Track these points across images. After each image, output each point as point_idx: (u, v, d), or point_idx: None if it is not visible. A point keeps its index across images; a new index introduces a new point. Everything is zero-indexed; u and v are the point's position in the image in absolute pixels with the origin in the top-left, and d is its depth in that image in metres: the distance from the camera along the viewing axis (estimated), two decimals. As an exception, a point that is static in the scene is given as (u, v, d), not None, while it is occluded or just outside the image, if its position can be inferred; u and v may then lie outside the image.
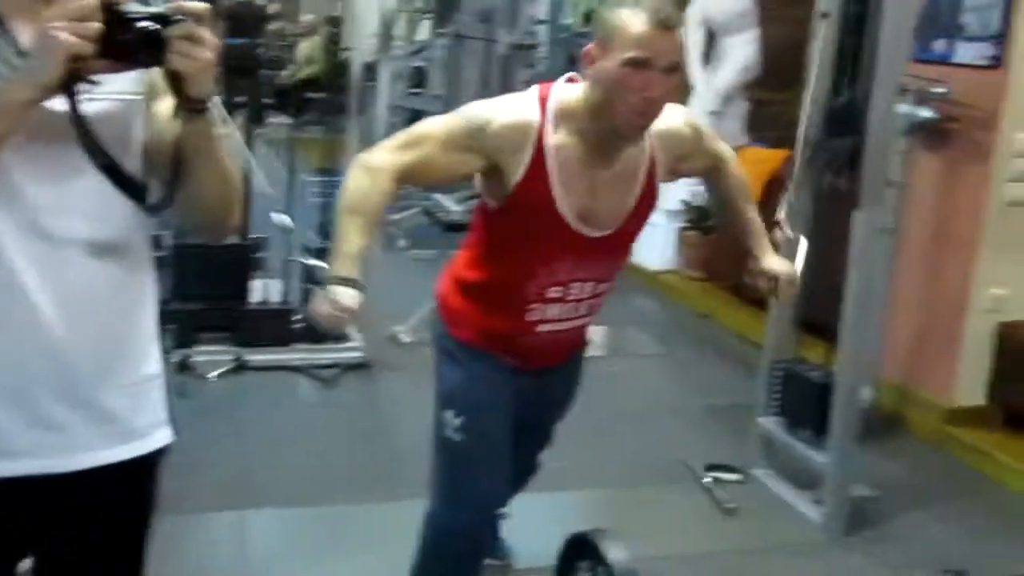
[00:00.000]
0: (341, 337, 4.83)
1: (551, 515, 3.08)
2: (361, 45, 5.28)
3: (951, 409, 4.30)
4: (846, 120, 3.44)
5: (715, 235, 6.20)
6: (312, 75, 11.19)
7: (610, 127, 2.12)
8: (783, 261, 2.59)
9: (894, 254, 4.19)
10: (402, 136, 2.21)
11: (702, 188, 6.07)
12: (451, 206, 5.27)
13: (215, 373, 4.46)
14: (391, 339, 5.05)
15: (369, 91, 5.64)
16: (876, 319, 3.79)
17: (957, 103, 4.15)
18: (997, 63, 4.06)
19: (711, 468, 3.87)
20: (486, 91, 7.48)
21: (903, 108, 3.84)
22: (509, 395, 2.42)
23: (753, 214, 2.53)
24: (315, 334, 4.78)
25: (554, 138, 2.14)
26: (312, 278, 4.74)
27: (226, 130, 2.10)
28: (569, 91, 2.19)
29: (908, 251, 4.35)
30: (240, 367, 4.53)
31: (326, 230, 4.96)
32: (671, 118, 2.28)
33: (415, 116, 10.58)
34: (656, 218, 2.50)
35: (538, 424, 2.62)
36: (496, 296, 2.34)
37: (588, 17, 7.65)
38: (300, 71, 12.50)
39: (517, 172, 2.14)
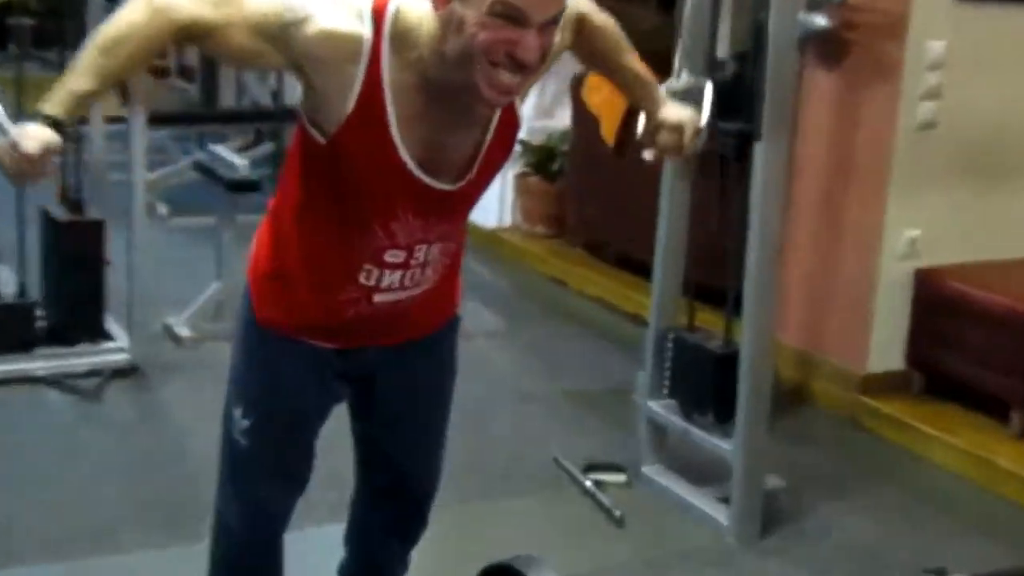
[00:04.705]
0: (100, 335, 4.66)
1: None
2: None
3: (864, 376, 4.48)
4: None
5: (562, 181, 6.28)
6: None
7: (463, 84, 2.06)
8: (684, 108, 2.66)
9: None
10: None
11: (543, 123, 6.24)
12: (233, 159, 5.13)
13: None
14: (165, 334, 4.94)
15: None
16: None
17: (855, 8, 4.31)
18: (901, -42, 4.22)
19: (590, 468, 3.93)
20: None
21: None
22: (320, 395, 2.48)
23: (635, 62, 2.57)
24: (66, 334, 4.61)
25: (391, 67, 2.09)
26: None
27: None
28: (412, 9, 2.10)
29: (803, 191, 4.49)
30: (-32, 382, 4.32)
31: (69, 196, 4.77)
32: None
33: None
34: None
35: (411, 414, 2.59)
36: (321, 255, 2.29)
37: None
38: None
39: (341, 102, 2.08)
